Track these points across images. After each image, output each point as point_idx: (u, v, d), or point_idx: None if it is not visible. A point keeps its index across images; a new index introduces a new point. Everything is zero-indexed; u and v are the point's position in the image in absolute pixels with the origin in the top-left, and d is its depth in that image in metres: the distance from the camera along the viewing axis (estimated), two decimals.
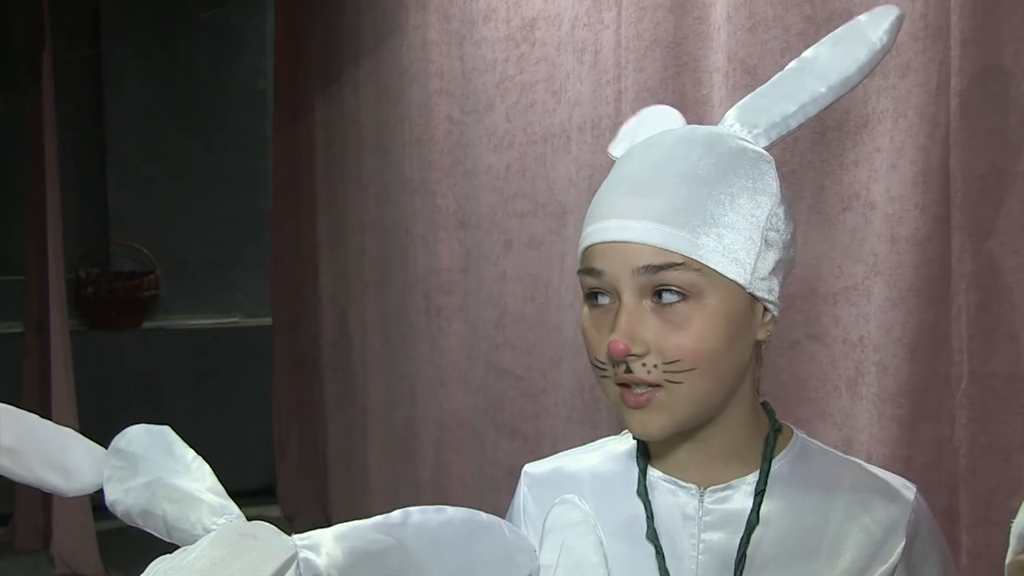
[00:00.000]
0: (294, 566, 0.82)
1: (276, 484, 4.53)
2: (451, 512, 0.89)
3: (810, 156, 1.41)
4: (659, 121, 1.01)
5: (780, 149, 1.43)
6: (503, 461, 2.34)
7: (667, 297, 0.85)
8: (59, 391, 3.96)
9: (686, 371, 0.84)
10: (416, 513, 0.88)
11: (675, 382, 0.85)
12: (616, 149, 1.02)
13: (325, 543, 0.85)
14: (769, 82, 0.95)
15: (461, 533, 0.88)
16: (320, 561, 0.83)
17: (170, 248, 5.01)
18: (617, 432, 1.07)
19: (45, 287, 4.02)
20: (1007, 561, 0.66)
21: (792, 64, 0.95)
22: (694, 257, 0.84)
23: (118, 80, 4.95)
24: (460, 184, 2.59)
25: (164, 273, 5.00)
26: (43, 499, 4.18)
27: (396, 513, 0.87)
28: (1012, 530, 0.67)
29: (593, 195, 1.93)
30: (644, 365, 0.85)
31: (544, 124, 2.16)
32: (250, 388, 4.80)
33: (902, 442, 1.21)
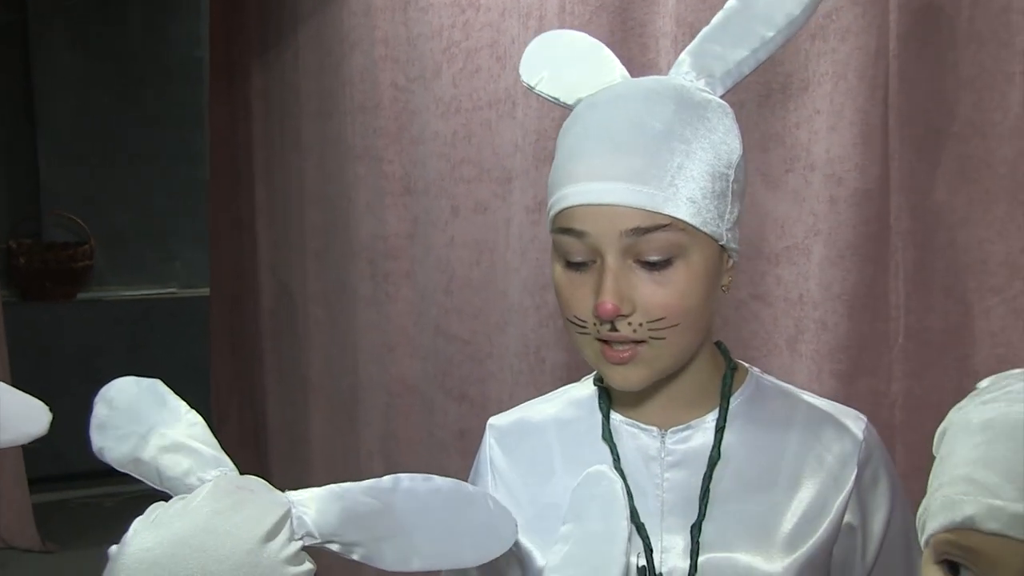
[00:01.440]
0: (289, 521, 0.84)
1: None
2: (439, 482, 0.91)
3: (756, 119, 1.43)
4: (569, 45, 1.01)
5: None
6: (452, 426, 2.34)
7: (653, 258, 0.86)
8: None
9: (670, 327, 0.87)
10: (406, 480, 0.90)
11: (659, 338, 0.87)
12: (533, 77, 1.01)
13: (316, 502, 0.87)
14: (714, 24, 0.95)
15: (448, 503, 0.91)
16: (314, 519, 0.85)
17: (105, 218, 4.91)
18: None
19: None
20: (923, 541, 0.69)
21: (733, 2, 0.95)
22: (679, 217, 0.85)
23: (46, 46, 4.81)
24: (407, 151, 2.58)
25: (99, 244, 4.90)
26: None
27: (387, 478, 0.90)
28: (918, 519, 0.70)
29: (539, 160, 1.94)
30: (630, 324, 0.87)
31: (489, 90, 2.15)
32: (187, 359, 4.73)
33: (840, 396, 1.24)
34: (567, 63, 0.99)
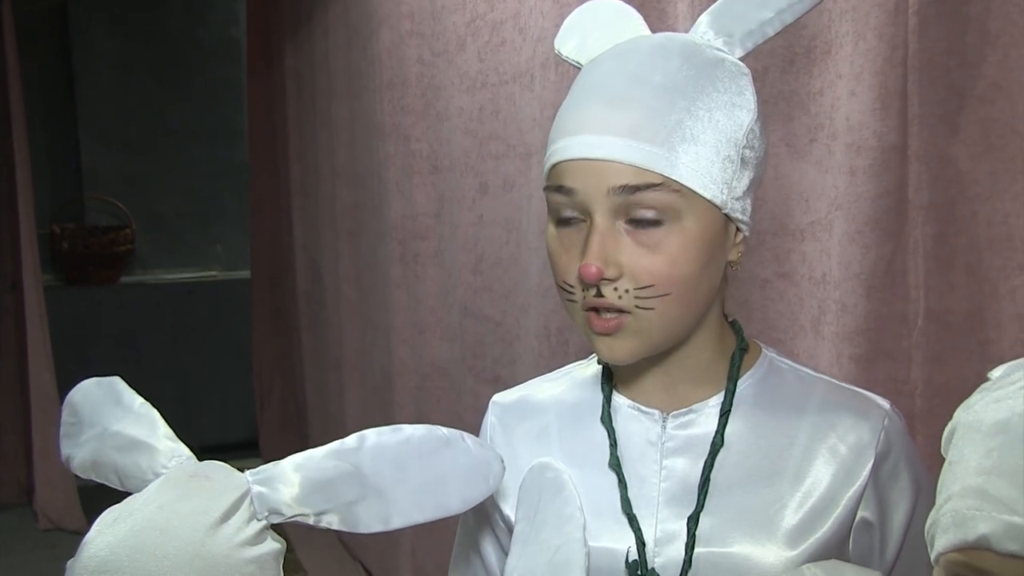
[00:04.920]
0: (247, 502, 0.80)
1: (259, 437, 4.52)
2: (408, 431, 0.86)
3: (780, 86, 1.35)
4: (596, 12, 0.95)
5: None
6: (483, 409, 2.29)
7: (643, 219, 0.81)
8: (35, 349, 3.95)
9: (659, 296, 0.81)
10: (372, 435, 0.85)
11: (646, 308, 0.82)
12: (564, 44, 0.95)
13: (280, 476, 0.83)
14: None
15: (421, 451, 0.86)
16: (276, 495, 0.81)
17: (145, 202, 4.94)
18: None
19: (18, 244, 3.97)
20: (932, 558, 0.62)
21: None
22: (673, 177, 0.79)
23: (85, 31, 4.84)
24: (433, 128, 2.52)
25: (140, 227, 4.94)
26: (25, 456, 4.20)
27: (351, 437, 0.85)
28: (927, 533, 0.63)
29: None
30: (616, 290, 0.81)
31: (513, 63, 2.09)
32: (230, 341, 4.77)
33: (860, 382, 1.16)
34: (593, 29, 0.94)
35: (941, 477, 0.63)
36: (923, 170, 1.10)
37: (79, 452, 0.90)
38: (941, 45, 1.08)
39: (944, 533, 0.60)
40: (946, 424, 1.00)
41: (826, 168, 1.28)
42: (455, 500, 0.87)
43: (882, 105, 1.14)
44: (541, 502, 0.87)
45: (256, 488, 0.81)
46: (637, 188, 0.79)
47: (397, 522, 0.84)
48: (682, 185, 0.80)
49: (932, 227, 1.11)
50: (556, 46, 0.96)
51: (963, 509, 0.58)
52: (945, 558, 0.60)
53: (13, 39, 3.87)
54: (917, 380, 1.13)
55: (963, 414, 0.65)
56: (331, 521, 0.83)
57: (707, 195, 0.81)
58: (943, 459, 0.65)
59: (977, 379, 1.05)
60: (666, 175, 0.79)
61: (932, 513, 0.62)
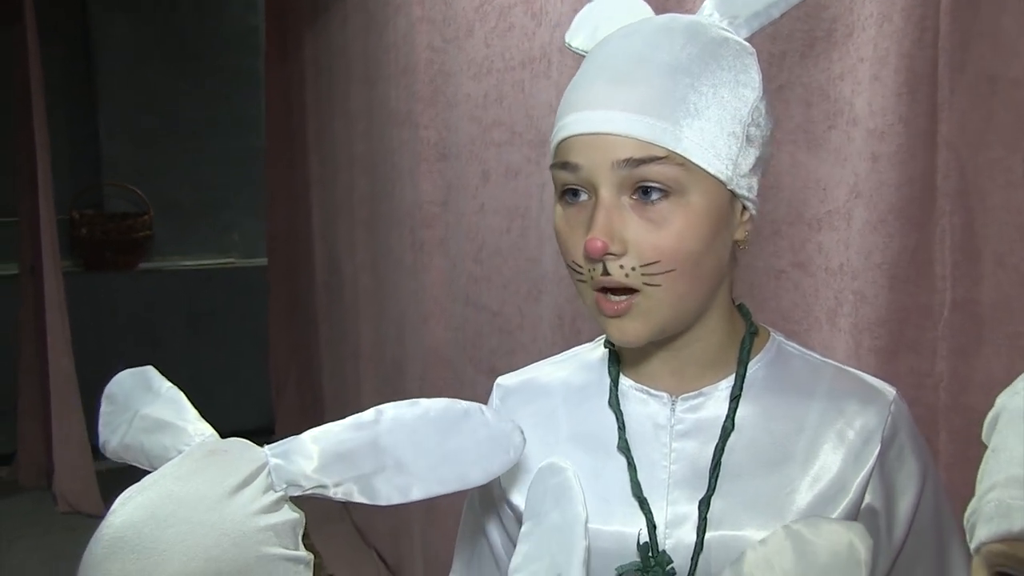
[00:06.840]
0: (264, 474, 0.82)
1: (275, 424, 4.52)
2: (426, 404, 0.87)
3: (798, 71, 1.31)
4: (625, 7, 0.95)
5: (767, 64, 1.34)
6: (481, 400, 2.26)
7: (648, 194, 0.81)
8: (55, 334, 3.97)
9: (665, 272, 0.82)
10: (389, 409, 0.86)
11: (653, 285, 0.82)
12: (574, 38, 0.97)
13: (299, 448, 0.85)
14: None
15: (439, 424, 0.87)
16: (294, 467, 0.83)
17: (163, 189, 4.94)
18: None
19: (37, 229, 3.99)
20: (972, 548, 0.60)
21: None
22: (677, 151, 0.80)
23: (105, 18, 4.83)
24: (441, 115, 2.50)
25: (158, 214, 4.95)
26: (45, 439, 4.22)
27: (369, 411, 0.86)
28: (966, 521, 0.62)
29: None
30: (622, 267, 0.82)
31: (523, 49, 2.05)
32: (246, 329, 4.77)
33: (879, 375, 1.13)
34: (604, 21, 0.95)
35: (983, 465, 0.61)
36: (951, 157, 1.07)
37: (113, 437, 0.93)
38: (975, 27, 1.04)
39: (987, 523, 0.58)
40: (971, 419, 0.97)
41: (845, 155, 1.25)
42: (476, 472, 0.88)
43: (909, 89, 1.10)
44: (546, 504, 0.87)
45: (274, 460, 0.83)
46: (641, 161, 0.80)
47: (417, 493, 0.86)
48: (686, 159, 0.80)
49: (960, 216, 1.07)
50: (567, 39, 0.98)
51: (1008, 499, 0.57)
52: (986, 548, 0.58)
53: (35, 26, 3.88)
54: (942, 373, 1.10)
55: (1009, 399, 0.63)
56: (349, 492, 0.84)
57: (711, 170, 0.81)
58: (981, 448, 0.63)
59: (1006, 373, 1.01)
60: (670, 148, 0.80)
61: (973, 502, 0.61)
